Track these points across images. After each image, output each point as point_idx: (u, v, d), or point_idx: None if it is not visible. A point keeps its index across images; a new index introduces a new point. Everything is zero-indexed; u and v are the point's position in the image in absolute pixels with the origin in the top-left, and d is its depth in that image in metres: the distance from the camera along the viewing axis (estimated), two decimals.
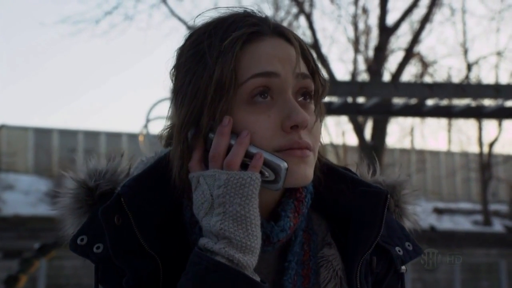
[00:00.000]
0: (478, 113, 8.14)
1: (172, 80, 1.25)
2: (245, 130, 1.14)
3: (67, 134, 22.75)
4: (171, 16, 12.93)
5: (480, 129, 17.77)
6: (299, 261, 1.24)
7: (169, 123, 1.30)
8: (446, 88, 7.87)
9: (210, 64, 1.15)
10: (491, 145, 18.17)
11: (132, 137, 23.54)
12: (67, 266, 13.08)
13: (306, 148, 1.16)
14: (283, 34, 1.20)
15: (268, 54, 1.16)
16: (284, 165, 1.14)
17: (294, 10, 12.87)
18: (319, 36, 13.03)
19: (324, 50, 13.89)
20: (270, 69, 1.15)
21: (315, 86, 1.21)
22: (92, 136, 23.21)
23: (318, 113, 1.21)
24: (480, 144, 18.17)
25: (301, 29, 13.31)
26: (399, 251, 1.28)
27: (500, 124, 16.75)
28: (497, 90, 7.37)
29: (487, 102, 7.84)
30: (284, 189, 1.21)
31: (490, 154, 18.42)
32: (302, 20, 13.35)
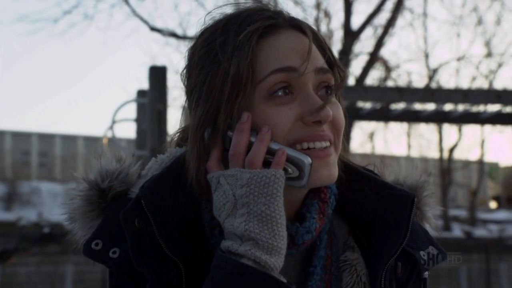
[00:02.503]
0: (446, 118, 8.14)
1: (184, 81, 1.21)
2: (265, 126, 1.11)
3: (20, 137, 22.31)
4: (132, 16, 12.65)
5: (440, 134, 17.92)
6: (322, 266, 1.21)
7: (182, 125, 1.28)
8: (415, 92, 7.90)
9: (225, 60, 1.11)
10: (451, 150, 18.34)
11: (89, 140, 23.27)
12: (21, 273, 12.72)
13: (329, 140, 1.13)
14: (299, 26, 1.17)
15: (286, 48, 1.13)
16: (308, 160, 1.10)
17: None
18: None
19: None
20: (289, 64, 1.12)
21: (334, 78, 1.17)
22: (46, 138, 22.81)
23: (339, 105, 1.18)
24: (441, 149, 18.31)
25: None
26: (423, 255, 1.24)
27: (460, 130, 16.91)
28: (465, 95, 7.37)
29: (449, 107, 7.87)
30: (307, 190, 1.19)
31: (450, 159, 18.60)
32: None
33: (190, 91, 1.19)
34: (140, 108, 6.73)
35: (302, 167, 1.11)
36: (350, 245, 1.26)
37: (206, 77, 1.14)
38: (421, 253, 1.25)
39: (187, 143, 1.23)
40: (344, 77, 1.20)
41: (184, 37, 12.79)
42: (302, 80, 1.13)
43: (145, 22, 12.26)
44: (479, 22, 15.13)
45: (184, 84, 1.22)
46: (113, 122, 6.12)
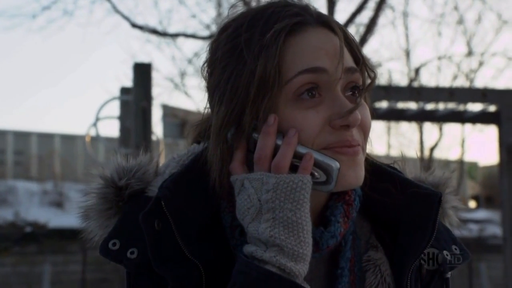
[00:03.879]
0: (431, 117, 8.15)
1: (205, 77, 1.18)
2: (292, 129, 1.07)
3: None
4: (113, 13, 12.45)
5: (421, 133, 17.99)
6: (349, 267, 1.18)
7: (199, 120, 1.25)
8: (401, 91, 7.90)
9: (251, 59, 1.07)
10: (431, 149, 18.41)
11: (66, 138, 23.05)
12: None
13: (357, 145, 1.09)
14: (327, 23, 1.12)
15: (314, 47, 1.09)
16: (336, 165, 1.07)
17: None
18: None
19: None
20: (317, 64, 1.08)
21: (363, 78, 1.13)
22: (22, 137, 22.57)
23: (366, 107, 1.14)
24: (421, 148, 18.38)
25: None
26: (446, 255, 1.21)
27: (441, 129, 16.98)
28: (451, 93, 7.36)
29: (434, 106, 7.89)
30: (331, 192, 1.13)
31: (430, 158, 18.68)
32: None
33: (213, 88, 1.14)
34: (124, 106, 6.63)
35: (330, 172, 1.07)
36: (373, 245, 1.23)
37: (231, 75, 1.10)
38: (445, 252, 1.21)
39: (205, 139, 1.20)
40: (374, 77, 1.16)
41: (165, 34, 12.67)
42: (330, 80, 1.08)
43: (126, 18, 12.09)
44: (460, 21, 15.18)
45: (205, 79, 1.18)
46: (97, 119, 6.01)
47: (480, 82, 15.74)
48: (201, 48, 14.36)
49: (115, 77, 26.01)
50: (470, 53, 15.27)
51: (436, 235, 1.19)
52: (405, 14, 14.81)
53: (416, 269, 1.17)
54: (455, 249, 1.23)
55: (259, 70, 1.06)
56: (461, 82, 14.83)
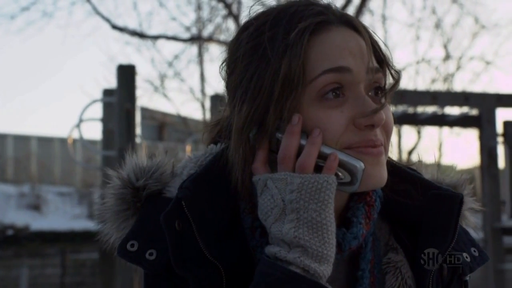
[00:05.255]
0: (413, 120, 8.19)
1: (226, 75, 1.16)
2: (316, 129, 1.06)
3: None
4: (93, 14, 12.37)
5: (399, 136, 18.09)
6: (370, 269, 1.17)
7: (216, 119, 1.25)
8: None
9: (276, 58, 1.06)
10: (410, 152, 18.52)
11: (42, 140, 22.82)
12: None
13: (381, 145, 1.09)
14: (351, 23, 1.12)
15: (338, 46, 1.08)
16: (361, 165, 1.06)
17: (223, 12, 12.72)
18: None
19: None
20: (342, 64, 1.07)
21: (385, 79, 1.13)
22: None
23: (389, 108, 1.13)
24: (399, 151, 18.48)
25: (229, 31, 13.17)
26: (466, 257, 1.20)
27: (419, 132, 17.09)
28: (434, 97, 7.40)
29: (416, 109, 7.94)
30: (353, 192, 1.13)
31: (408, 161, 18.77)
32: (231, 22, 13.20)
33: (234, 87, 1.13)
34: (107, 108, 6.58)
35: (355, 172, 1.07)
36: (393, 247, 1.22)
37: (254, 73, 1.09)
38: (464, 254, 1.21)
39: (224, 139, 1.20)
40: (398, 78, 1.15)
41: (146, 36, 12.62)
42: (354, 80, 1.08)
43: (107, 20, 12.03)
44: (438, 25, 15.31)
45: (224, 78, 1.17)
46: (80, 121, 5.96)
47: (458, 85, 15.85)
48: (182, 51, 14.36)
49: (93, 79, 25.78)
50: (448, 57, 15.41)
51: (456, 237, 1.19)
52: (384, 18, 14.92)
53: (437, 271, 1.17)
54: (474, 251, 1.23)
55: (283, 69, 1.05)
56: (440, 86, 14.95)
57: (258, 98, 1.08)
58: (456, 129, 13.34)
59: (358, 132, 1.08)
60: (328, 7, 1.13)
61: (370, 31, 1.14)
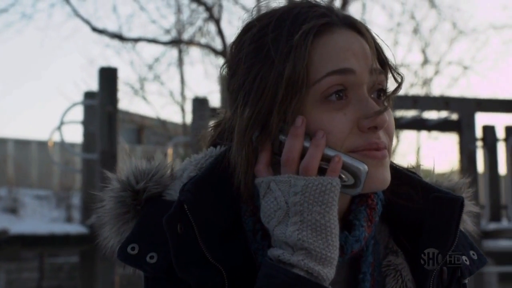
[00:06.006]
0: (396, 124, 8.22)
1: (227, 76, 1.16)
2: (320, 131, 1.06)
3: None
4: (73, 16, 12.31)
5: None
6: (371, 272, 1.17)
7: (215, 121, 1.24)
8: None
9: (279, 59, 1.06)
10: None
11: (19, 143, 22.59)
12: None
13: (385, 148, 1.09)
14: (354, 25, 1.12)
15: (341, 48, 1.08)
16: (364, 168, 1.06)
17: (204, 15, 12.72)
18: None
19: None
20: (345, 66, 1.07)
21: (387, 81, 1.14)
22: None
23: (390, 110, 1.13)
24: None
25: (210, 35, 13.17)
26: (465, 260, 1.21)
27: (397, 136, 17.20)
28: (415, 101, 7.46)
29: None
30: (353, 195, 1.14)
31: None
32: (211, 25, 13.21)
33: (236, 89, 1.12)
34: (88, 110, 6.54)
35: (358, 175, 1.07)
36: (393, 249, 1.22)
37: (257, 75, 1.09)
38: (464, 257, 1.21)
39: (225, 142, 1.19)
40: (401, 81, 1.15)
41: (126, 39, 12.58)
42: (357, 81, 1.08)
43: (87, 22, 11.96)
44: (416, 30, 15.43)
45: (226, 80, 1.17)
46: (61, 123, 5.91)
47: (437, 90, 15.98)
48: (162, 54, 14.32)
49: (73, 82, 25.57)
50: (426, 62, 15.53)
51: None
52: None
53: (437, 274, 1.17)
54: (473, 254, 1.23)
55: (288, 71, 1.05)
56: (418, 90, 15.06)
57: (262, 100, 1.08)
58: (434, 133, 13.42)
59: (361, 135, 1.08)
60: (331, 9, 1.13)
61: (373, 33, 1.15)
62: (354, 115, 1.07)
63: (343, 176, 1.07)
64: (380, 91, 1.13)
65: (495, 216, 8.09)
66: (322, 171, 1.06)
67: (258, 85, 1.08)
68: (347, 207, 1.17)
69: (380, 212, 1.19)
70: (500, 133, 8.72)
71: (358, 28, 1.12)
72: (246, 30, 1.14)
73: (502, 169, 8.70)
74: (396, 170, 1.22)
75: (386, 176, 1.10)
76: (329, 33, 1.09)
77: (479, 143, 8.34)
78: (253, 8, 1.16)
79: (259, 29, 1.11)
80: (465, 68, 15.40)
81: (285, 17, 1.10)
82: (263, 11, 1.15)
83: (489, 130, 8.70)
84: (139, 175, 1.19)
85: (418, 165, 1.30)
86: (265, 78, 1.07)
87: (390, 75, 1.15)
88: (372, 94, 1.11)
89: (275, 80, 1.06)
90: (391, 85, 1.14)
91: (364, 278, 1.16)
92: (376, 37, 1.15)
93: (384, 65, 1.14)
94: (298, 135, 1.06)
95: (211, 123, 1.28)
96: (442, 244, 1.16)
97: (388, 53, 1.15)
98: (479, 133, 8.29)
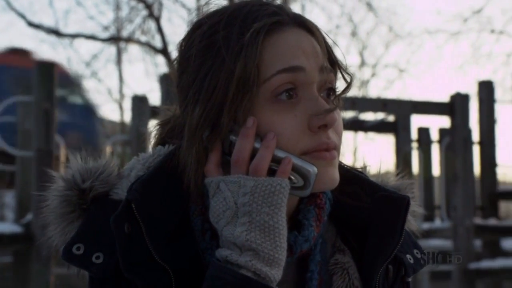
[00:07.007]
0: (361, 127, 8.35)
1: (177, 74, 1.15)
2: (271, 132, 1.06)
3: None
4: (8, 10, 12.00)
5: None
6: (318, 271, 1.17)
7: (164, 118, 1.23)
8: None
9: (230, 58, 1.06)
10: None
11: None
12: None
13: (334, 149, 1.09)
14: (304, 24, 1.12)
15: (292, 46, 1.08)
16: (314, 170, 1.06)
17: (144, 12, 12.59)
18: (170, 40, 12.78)
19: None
20: (295, 64, 1.07)
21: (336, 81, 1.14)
22: None
23: (339, 111, 1.14)
24: None
25: (150, 33, 13.04)
26: (410, 259, 1.23)
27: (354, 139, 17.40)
28: (353, 103, 7.57)
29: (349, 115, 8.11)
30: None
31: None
32: (151, 23, 13.07)
33: (186, 86, 1.11)
34: (24, 107, 6.37)
35: (308, 177, 1.07)
36: (340, 248, 1.23)
37: (207, 73, 1.08)
38: (408, 256, 1.23)
39: (174, 140, 1.18)
40: (351, 80, 1.16)
41: (64, 35, 12.34)
42: (307, 80, 1.08)
43: (22, 16, 11.67)
44: (354, 32, 15.67)
45: (175, 77, 1.16)
46: None
47: (374, 92, 16.27)
48: (100, 51, 14.10)
49: None
50: (363, 64, 15.80)
51: None
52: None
53: (383, 272, 1.18)
54: (417, 253, 1.25)
55: (238, 70, 1.05)
56: (355, 92, 15.29)
57: (212, 98, 1.07)
58: (371, 134, 13.65)
59: (312, 136, 1.08)
60: (281, 7, 1.13)
61: (323, 32, 1.15)
62: (304, 115, 1.07)
63: (293, 178, 1.07)
64: (330, 90, 1.13)
65: (429, 216, 8.28)
66: (272, 173, 1.06)
67: (208, 83, 1.07)
68: (296, 206, 1.17)
69: (329, 211, 1.19)
70: (434, 135, 8.94)
71: (308, 27, 1.12)
72: (196, 27, 1.13)
73: (436, 170, 8.92)
74: (344, 169, 1.23)
75: (335, 176, 1.11)
76: (279, 31, 1.09)
77: (414, 145, 8.52)
78: (202, 6, 1.16)
79: (209, 27, 1.11)
80: (401, 71, 15.73)
81: (236, 15, 1.10)
82: (206, 10, 1.15)
83: (424, 132, 8.90)
84: (85, 173, 1.17)
85: (365, 165, 1.31)
86: (215, 76, 1.07)
87: (339, 75, 1.15)
88: (322, 93, 1.11)
89: (226, 79, 1.06)
90: (340, 85, 1.15)
91: (312, 277, 1.16)
92: (326, 36, 1.15)
93: (333, 64, 1.14)
94: (249, 135, 1.06)
95: (158, 121, 1.26)
96: (388, 243, 1.17)
97: (338, 53, 1.16)
98: (414, 134, 8.48)
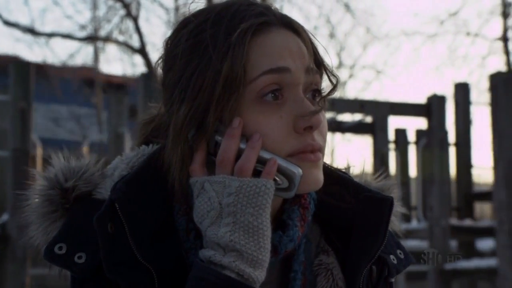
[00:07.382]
0: (338, 128, 8.38)
1: (162, 72, 1.15)
2: (256, 133, 1.06)
3: None
4: None
5: None
6: (302, 271, 1.17)
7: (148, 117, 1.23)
8: None
9: (217, 57, 1.05)
10: None
11: None
12: None
13: (319, 150, 1.09)
14: (291, 25, 1.13)
15: (278, 47, 1.08)
16: (299, 171, 1.07)
17: (122, 12, 12.54)
18: (148, 40, 12.75)
19: (154, 56, 13.58)
20: (281, 64, 1.07)
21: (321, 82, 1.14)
22: None
23: (324, 113, 1.14)
24: None
25: (128, 32, 12.98)
26: (393, 259, 1.23)
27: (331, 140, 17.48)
28: (332, 103, 7.58)
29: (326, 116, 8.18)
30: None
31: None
32: (129, 22, 13.03)
33: (172, 85, 1.10)
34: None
35: (293, 178, 1.07)
36: (324, 249, 1.23)
37: (194, 72, 1.07)
38: (391, 257, 1.23)
39: (159, 139, 1.18)
40: (337, 82, 1.16)
41: (40, 34, 12.24)
42: (293, 81, 1.08)
43: None
44: (332, 33, 15.75)
45: (161, 75, 1.15)
46: None
47: (351, 93, 16.36)
48: (77, 50, 14.00)
49: None
50: (341, 65, 15.88)
51: None
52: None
53: (367, 273, 1.18)
54: (400, 253, 1.25)
55: (225, 69, 1.04)
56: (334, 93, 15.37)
57: (199, 97, 1.06)
58: (349, 135, 13.73)
59: (297, 138, 1.08)
60: (268, 8, 1.13)
61: (310, 34, 1.15)
62: (289, 116, 1.07)
63: (278, 179, 1.07)
64: (315, 92, 1.12)
65: (406, 217, 8.34)
66: (257, 174, 1.06)
67: (195, 81, 1.07)
68: (280, 206, 1.17)
69: (313, 211, 1.19)
70: (411, 136, 9.01)
71: (295, 28, 1.12)
72: (183, 25, 1.13)
73: (413, 171, 8.99)
74: (329, 170, 1.23)
75: (319, 177, 1.11)
76: (266, 32, 1.09)
77: (392, 146, 8.59)
78: (191, 3, 1.15)
79: (196, 25, 1.10)
80: (378, 72, 15.83)
81: (223, 14, 1.09)
82: (183, 10, 1.15)
83: (401, 133, 8.98)
84: (68, 173, 1.16)
85: (348, 166, 1.31)
86: (202, 75, 1.06)
87: (325, 77, 1.15)
88: (308, 94, 1.11)
89: (213, 78, 1.05)
90: (325, 87, 1.15)
91: (296, 277, 1.16)
92: (312, 38, 1.15)
93: (319, 66, 1.14)
94: (235, 136, 1.05)
95: (142, 119, 1.25)
96: (372, 243, 1.17)
97: (324, 55, 1.16)
98: (391, 136, 8.54)
